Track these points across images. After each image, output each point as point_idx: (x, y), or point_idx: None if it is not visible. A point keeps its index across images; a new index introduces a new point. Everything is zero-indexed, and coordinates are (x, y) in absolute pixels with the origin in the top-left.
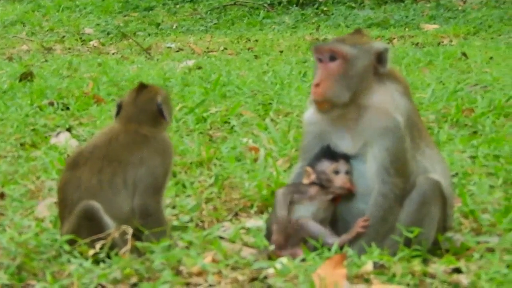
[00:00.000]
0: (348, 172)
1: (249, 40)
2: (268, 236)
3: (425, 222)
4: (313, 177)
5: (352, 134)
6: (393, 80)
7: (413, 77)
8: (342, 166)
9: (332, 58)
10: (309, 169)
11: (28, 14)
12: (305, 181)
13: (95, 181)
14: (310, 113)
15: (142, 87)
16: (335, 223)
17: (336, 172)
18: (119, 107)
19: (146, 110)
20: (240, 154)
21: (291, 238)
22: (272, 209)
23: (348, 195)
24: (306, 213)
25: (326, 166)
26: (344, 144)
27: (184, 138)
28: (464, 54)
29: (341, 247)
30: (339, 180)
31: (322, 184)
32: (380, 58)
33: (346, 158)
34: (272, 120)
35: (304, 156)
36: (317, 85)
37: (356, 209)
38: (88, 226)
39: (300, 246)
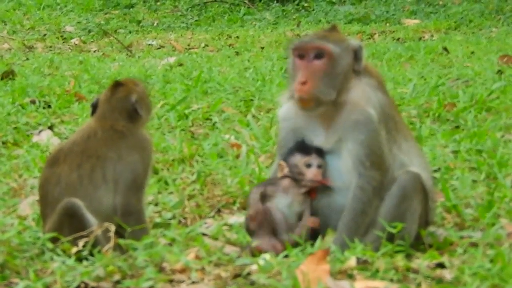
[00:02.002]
0: (321, 166)
1: (230, 36)
2: (248, 232)
3: (406, 216)
4: (286, 170)
5: (327, 129)
6: (366, 74)
7: (395, 72)
8: (314, 159)
9: (318, 56)
10: (282, 163)
11: (9, 12)
12: (279, 174)
13: (75, 177)
14: (284, 109)
15: (117, 84)
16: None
17: (308, 166)
18: (94, 106)
19: (120, 108)
20: (222, 151)
21: (264, 226)
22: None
23: (326, 189)
24: (281, 205)
25: (298, 159)
26: (319, 139)
27: (166, 135)
28: (445, 49)
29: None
30: (310, 173)
31: (295, 177)
32: (356, 55)
33: (319, 152)
34: (253, 116)
35: (280, 151)
36: (303, 83)
37: (335, 204)
38: (70, 223)
39: (277, 239)
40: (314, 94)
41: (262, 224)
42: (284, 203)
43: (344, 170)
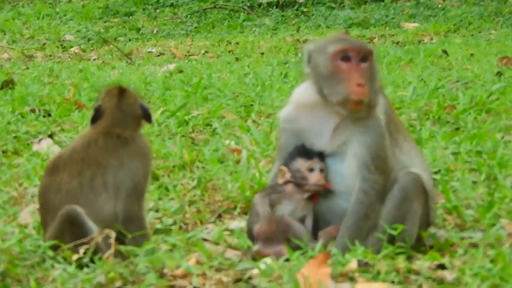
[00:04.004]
0: (323, 170)
1: (230, 42)
2: (250, 238)
3: (407, 218)
4: (288, 175)
5: (332, 132)
6: None
7: (394, 76)
8: (316, 163)
9: (364, 58)
10: (283, 168)
11: (8, 22)
12: (280, 180)
13: (75, 184)
14: (287, 111)
15: (122, 90)
16: (316, 221)
17: (311, 170)
18: (98, 111)
19: (132, 114)
20: (222, 156)
21: (274, 235)
22: (250, 212)
23: (327, 193)
24: (285, 212)
25: (301, 164)
26: (322, 142)
27: (166, 142)
28: (444, 51)
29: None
30: (314, 178)
31: (297, 183)
32: None
33: (321, 156)
34: (254, 121)
35: (280, 154)
36: (362, 85)
37: (337, 207)
38: (71, 231)
39: (283, 245)
40: (369, 97)
41: (272, 232)
42: (288, 209)
43: (347, 173)
